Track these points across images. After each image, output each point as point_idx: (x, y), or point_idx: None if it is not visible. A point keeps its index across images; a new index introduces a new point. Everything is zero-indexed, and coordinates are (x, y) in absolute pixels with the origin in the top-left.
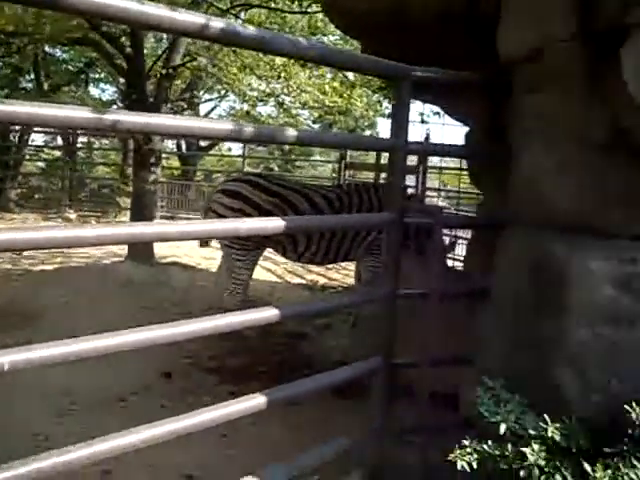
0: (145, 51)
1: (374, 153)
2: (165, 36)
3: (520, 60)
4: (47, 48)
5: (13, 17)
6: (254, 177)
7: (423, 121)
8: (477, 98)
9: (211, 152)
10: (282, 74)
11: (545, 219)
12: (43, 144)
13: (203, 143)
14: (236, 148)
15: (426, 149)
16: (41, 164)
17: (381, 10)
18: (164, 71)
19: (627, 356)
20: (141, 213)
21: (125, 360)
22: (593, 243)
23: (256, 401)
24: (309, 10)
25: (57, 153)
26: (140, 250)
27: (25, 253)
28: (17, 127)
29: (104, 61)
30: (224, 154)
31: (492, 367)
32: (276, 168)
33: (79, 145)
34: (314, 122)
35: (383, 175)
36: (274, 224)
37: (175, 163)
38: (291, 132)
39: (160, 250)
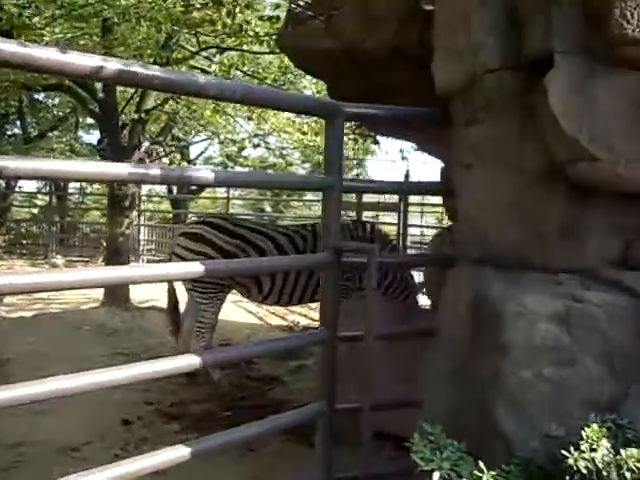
0: (119, 95)
1: None
2: None
3: (454, 92)
4: (34, 95)
5: None
6: (216, 219)
7: (403, 158)
8: (437, 132)
9: (203, 195)
10: (254, 115)
11: (484, 255)
12: (35, 190)
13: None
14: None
15: (360, 187)
16: (32, 210)
17: (340, 48)
18: (136, 115)
19: (568, 396)
20: (115, 257)
21: (85, 408)
22: (530, 279)
23: (201, 445)
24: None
25: (47, 199)
26: (116, 295)
27: (7, 299)
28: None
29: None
30: (217, 196)
31: (436, 410)
32: (268, 208)
33: (70, 190)
34: (303, 162)
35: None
36: (201, 268)
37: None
38: (205, 173)
39: (139, 294)
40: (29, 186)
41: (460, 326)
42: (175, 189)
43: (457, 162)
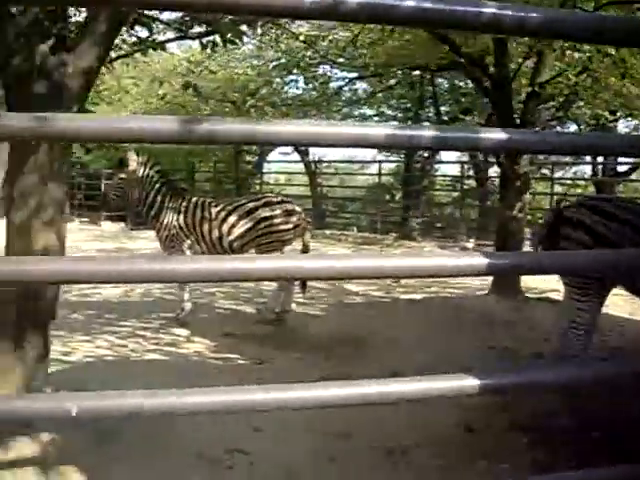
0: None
1: None
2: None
3: None
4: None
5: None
6: (597, 201)
7: None
8: None
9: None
10: None
11: None
12: (459, 175)
13: (621, 167)
14: None
15: None
16: (452, 194)
17: None
18: (529, 89)
19: None
20: (505, 242)
21: (417, 407)
22: None
23: None
24: None
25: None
26: (506, 283)
27: (404, 281)
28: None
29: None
30: None
31: None
32: None
33: (491, 174)
34: None
35: None
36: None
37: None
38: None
39: (534, 283)
40: (452, 170)
41: None
42: (600, 171)
43: None
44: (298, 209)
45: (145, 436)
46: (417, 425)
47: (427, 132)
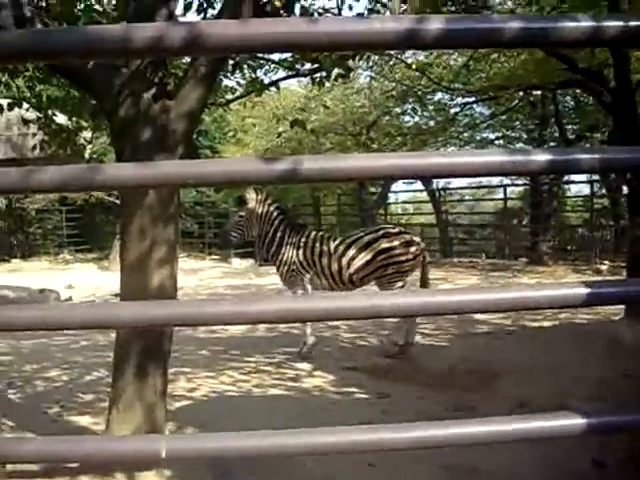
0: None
1: None
2: None
3: None
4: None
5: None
6: None
7: None
8: None
9: None
10: None
11: None
12: (589, 194)
13: None
14: None
15: None
16: (584, 215)
17: None
18: None
19: None
20: (637, 264)
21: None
22: None
23: None
24: None
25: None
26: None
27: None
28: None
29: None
30: None
31: None
32: None
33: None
34: None
35: None
36: None
37: None
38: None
39: None
40: (585, 189)
41: None
42: None
43: None
44: (417, 239)
45: (261, 469)
46: (542, 460)
47: (541, 156)
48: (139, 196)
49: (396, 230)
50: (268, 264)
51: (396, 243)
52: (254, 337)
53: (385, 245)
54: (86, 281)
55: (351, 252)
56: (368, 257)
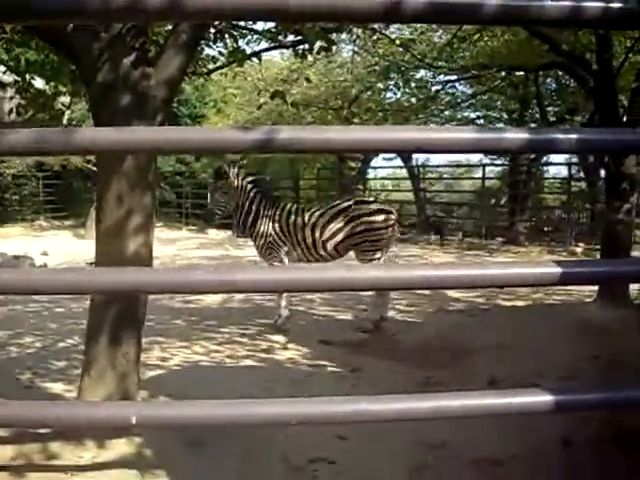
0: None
1: None
2: None
3: None
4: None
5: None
6: None
7: None
8: None
9: None
10: None
11: None
12: (567, 177)
13: None
14: None
15: None
16: (561, 197)
17: None
18: (635, 84)
19: None
20: (611, 246)
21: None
22: None
23: None
24: None
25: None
26: (613, 290)
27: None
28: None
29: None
30: None
31: None
32: None
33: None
34: None
35: None
36: None
37: None
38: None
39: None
40: (564, 172)
41: None
42: None
43: None
44: (390, 209)
45: (232, 437)
46: (511, 436)
47: (515, 135)
48: (116, 162)
49: (369, 199)
50: (245, 236)
51: (368, 211)
52: (229, 308)
53: (357, 212)
54: (61, 248)
55: (323, 220)
56: (340, 224)
